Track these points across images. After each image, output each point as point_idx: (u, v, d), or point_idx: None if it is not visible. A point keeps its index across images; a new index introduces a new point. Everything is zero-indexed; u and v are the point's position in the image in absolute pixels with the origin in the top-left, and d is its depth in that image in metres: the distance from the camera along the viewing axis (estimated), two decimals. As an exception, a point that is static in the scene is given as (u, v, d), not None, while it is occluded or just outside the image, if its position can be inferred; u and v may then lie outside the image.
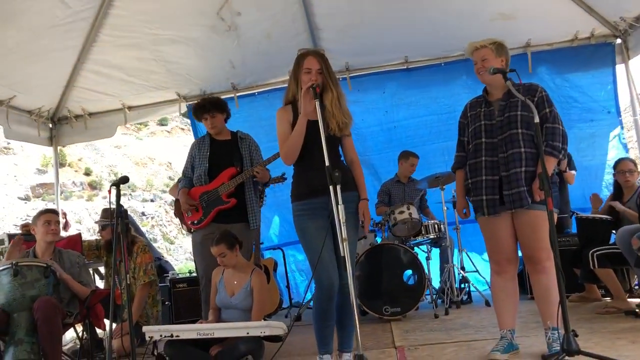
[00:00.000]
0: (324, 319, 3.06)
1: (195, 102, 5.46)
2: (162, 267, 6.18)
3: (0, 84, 5.06)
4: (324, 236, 2.96)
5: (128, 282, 3.26)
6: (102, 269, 5.13)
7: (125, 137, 28.57)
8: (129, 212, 3.63)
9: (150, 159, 28.68)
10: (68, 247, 4.39)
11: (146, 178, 26.92)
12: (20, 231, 4.73)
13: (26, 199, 22.18)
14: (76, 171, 25.60)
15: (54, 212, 4.12)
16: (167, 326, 3.58)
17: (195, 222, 4.23)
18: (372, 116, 6.32)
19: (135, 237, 4.72)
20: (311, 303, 4.20)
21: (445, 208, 5.34)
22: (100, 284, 5.17)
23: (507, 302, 3.23)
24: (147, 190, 26.01)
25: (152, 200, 25.01)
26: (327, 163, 2.78)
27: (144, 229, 17.31)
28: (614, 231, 4.47)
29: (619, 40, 5.67)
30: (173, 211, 5.01)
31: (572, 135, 4.81)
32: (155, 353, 3.63)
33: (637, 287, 4.88)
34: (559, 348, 2.72)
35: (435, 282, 5.62)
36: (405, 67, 6.15)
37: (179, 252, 22.11)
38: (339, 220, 2.71)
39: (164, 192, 25.32)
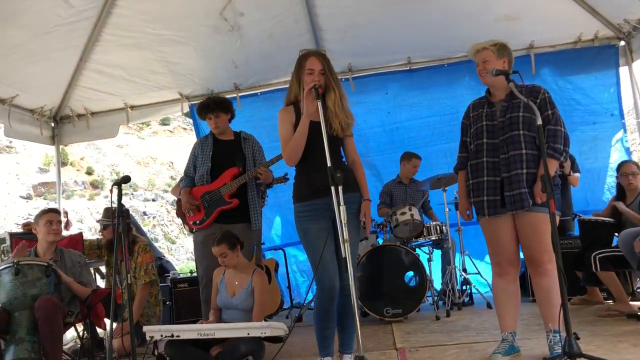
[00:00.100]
0: (324, 320, 3.06)
1: (198, 101, 5.48)
2: (163, 267, 6.18)
3: (3, 83, 5.06)
4: (325, 237, 2.96)
5: (129, 282, 3.26)
6: (103, 269, 5.13)
7: (127, 137, 28.58)
8: (130, 212, 3.63)
9: (152, 158, 28.68)
10: (69, 246, 4.40)
11: (148, 177, 26.92)
12: (21, 230, 4.74)
13: (28, 197, 22.20)
14: (78, 170, 25.61)
15: (56, 211, 4.12)
16: (167, 326, 3.58)
17: (198, 222, 4.23)
18: (375, 117, 6.31)
19: (137, 236, 4.73)
20: (312, 304, 4.20)
21: (447, 209, 5.33)
22: (101, 283, 5.16)
23: (508, 304, 3.23)
24: (149, 189, 26.02)
25: (153, 200, 25.01)
26: (329, 164, 2.78)
27: (145, 229, 17.32)
28: (616, 234, 4.46)
29: (622, 43, 5.66)
30: (175, 211, 5.01)
31: (575, 138, 4.82)
32: (156, 353, 3.62)
33: (639, 290, 4.86)
34: (560, 351, 2.71)
35: (437, 284, 5.61)
36: (408, 68, 6.14)
37: (180, 252, 22.11)
38: (341, 221, 2.71)
39: (166, 191, 25.32)
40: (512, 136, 3.10)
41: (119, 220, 3.17)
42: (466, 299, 5.36)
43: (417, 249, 5.31)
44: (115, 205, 3.23)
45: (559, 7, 5.22)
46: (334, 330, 3.12)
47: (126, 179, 3.31)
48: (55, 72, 5.43)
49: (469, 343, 3.71)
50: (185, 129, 30.22)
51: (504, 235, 3.18)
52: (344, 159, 3.24)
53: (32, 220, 4.15)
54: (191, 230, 4.38)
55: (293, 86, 3.15)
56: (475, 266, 5.55)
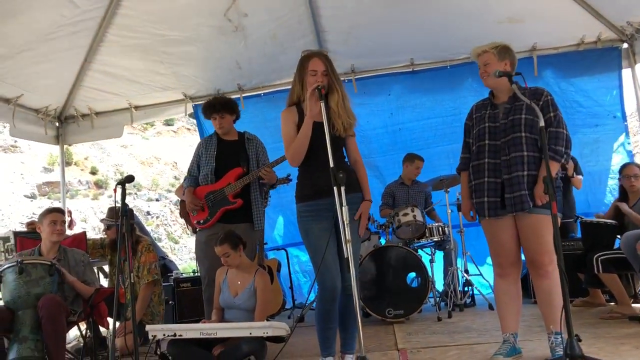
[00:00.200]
0: (326, 320, 3.07)
1: (202, 102, 5.50)
2: (166, 267, 6.20)
3: (8, 83, 5.08)
4: (327, 237, 2.97)
5: (132, 281, 3.28)
6: (106, 268, 5.15)
7: (131, 137, 28.62)
8: (134, 211, 3.64)
9: (156, 158, 28.72)
10: (73, 245, 4.41)
11: (152, 177, 26.96)
12: (25, 229, 4.76)
13: (32, 197, 22.25)
14: (82, 170, 25.67)
15: (60, 211, 4.14)
16: (170, 325, 3.60)
17: (201, 221, 4.25)
18: (377, 118, 6.31)
19: (140, 236, 4.75)
20: (314, 304, 4.21)
21: (450, 211, 5.34)
22: (104, 282, 5.18)
23: (510, 306, 3.23)
24: (153, 189, 26.06)
25: (157, 200, 25.04)
26: (331, 165, 2.79)
27: (148, 228, 17.35)
28: (618, 236, 4.46)
29: (625, 45, 5.65)
30: (178, 212, 5.03)
31: (576, 140, 4.81)
32: (158, 352, 3.64)
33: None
34: (562, 353, 2.71)
35: (439, 285, 5.61)
36: (410, 70, 6.14)
37: (184, 252, 22.14)
38: (343, 222, 2.72)
39: (170, 191, 25.36)
40: (513, 138, 3.10)
41: (122, 219, 3.18)
42: (468, 300, 5.36)
43: (419, 250, 5.32)
44: (119, 204, 3.25)
45: (561, 9, 5.21)
46: (335, 331, 3.13)
47: (130, 179, 3.32)
48: (60, 72, 5.45)
49: (471, 344, 3.72)
50: (189, 129, 30.26)
51: (505, 236, 3.19)
52: (346, 159, 3.26)
53: (36, 219, 4.17)
54: (194, 231, 4.39)
55: (295, 87, 3.17)
56: (477, 267, 5.55)
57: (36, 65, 5.03)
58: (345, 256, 2.73)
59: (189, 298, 5.50)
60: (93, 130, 6.33)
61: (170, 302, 5.40)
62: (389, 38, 5.61)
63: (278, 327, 3.32)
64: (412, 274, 4.87)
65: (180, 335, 3.34)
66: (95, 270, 4.96)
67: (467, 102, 5.66)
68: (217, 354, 3.45)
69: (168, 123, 30.95)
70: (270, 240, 6.40)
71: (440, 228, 5.31)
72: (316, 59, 3.09)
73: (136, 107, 6.29)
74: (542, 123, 2.75)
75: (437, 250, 5.60)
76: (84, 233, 4.96)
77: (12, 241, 4.55)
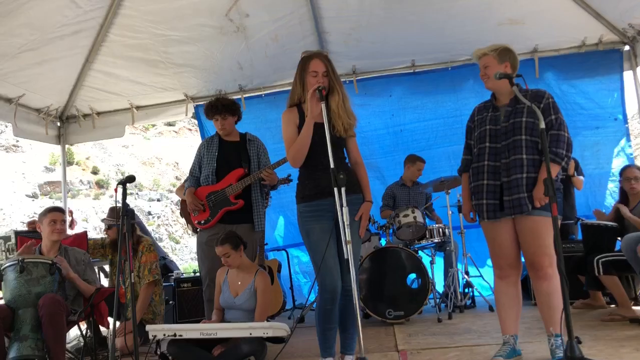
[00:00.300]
0: (326, 321, 3.07)
1: (203, 102, 5.51)
2: (167, 267, 6.21)
3: (10, 82, 5.09)
4: (328, 238, 2.98)
5: (132, 281, 3.28)
6: (107, 268, 5.16)
7: (132, 137, 28.69)
8: (135, 211, 3.65)
9: (158, 158, 28.78)
10: (74, 244, 4.42)
11: (153, 178, 27.02)
12: (27, 228, 4.77)
13: (34, 196, 22.31)
14: (84, 170, 25.73)
15: (60, 210, 4.15)
16: (170, 325, 3.60)
17: (202, 222, 4.25)
18: (379, 119, 6.31)
19: (141, 236, 4.75)
20: (314, 305, 4.21)
21: (450, 212, 5.34)
22: (105, 282, 5.19)
23: (510, 307, 3.23)
24: (154, 189, 26.10)
25: (158, 200, 25.09)
26: (332, 166, 2.80)
27: (149, 228, 17.36)
28: (619, 238, 4.46)
29: (627, 47, 5.64)
30: (179, 211, 5.04)
31: (577, 143, 4.81)
32: (159, 352, 3.64)
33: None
34: (562, 355, 2.71)
35: (439, 287, 5.61)
36: (412, 71, 6.14)
37: (185, 252, 22.18)
38: (343, 223, 2.73)
39: (171, 191, 25.42)
40: (514, 141, 3.10)
41: (123, 219, 3.19)
42: (468, 302, 5.35)
43: (419, 251, 5.32)
44: (120, 204, 3.25)
45: (563, 11, 5.21)
46: (335, 332, 3.13)
47: (131, 179, 3.33)
48: (61, 72, 5.45)
49: (471, 346, 3.71)
50: (190, 129, 30.32)
51: (504, 238, 3.19)
52: (347, 160, 3.26)
53: (37, 219, 4.18)
54: (194, 230, 4.40)
55: (296, 88, 3.17)
56: (478, 269, 5.55)
57: (38, 65, 5.03)
58: (346, 257, 2.74)
59: (189, 298, 5.50)
60: (94, 130, 6.34)
61: (170, 302, 5.40)
62: (390, 39, 5.61)
63: (278, 328, 3.32)
64: (413, 275, 4.87)
65: (181, 336, 3.34)
66: (96, 270, 4.97)
67: (468, 104, 5.70)
68: (217, 354, 3.46)
69: (169, 123, 31.03)
70: (271, 241, 6.40)
71: (440, 229, 5.30)
72: (317, 59, 3.09)
73: (137, 107, 6.29)
74: (542, 125, 2.74)
75: (437, 252, 5.60)
76: (85, 233, 4.97)
77: (13, 240, 4.57)
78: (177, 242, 23.03)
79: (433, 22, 5.36)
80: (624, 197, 4.68)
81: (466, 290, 5.41)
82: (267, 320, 3.87)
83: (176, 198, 22.07)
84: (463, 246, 5.46)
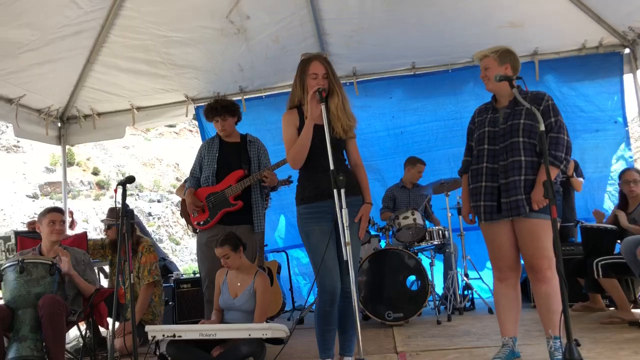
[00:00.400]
0: (325, 323, 3.07)
1: (204, 104, 5.51)
2: (166, 267, 6.21)
3: (11, 83, 5.09)
4: (327, 240, 2.98)
5: (132, 282, 3.28)
6: (107, 268, 5.16)
7: (133, 138, 28.70)
8: (135, 212, 3.65)
9: (158, 159, 28.79)
10: (74, 245, 4.43)
11: (153, 179, 27.03)
12: (26, 229, 4.78)
13: (34, 197, 22.31)
14: (84, 170, 25.74)
15: (59, 211, 4.15)
16: (169, 326, 3.61)
17: (201, 222, 4.26)
18: (379, 121, 6.32)
19: (141, 237, 4.75)
20: (314, 306, 4.21)
21: (450, 214, 5.34)
22: (105, 283, 5.20)
23: (509, 309, 3.23)
24: (154, 190, 26.11)
25: (159, 201, 25.09)
26: (332, 167, 2.80)
27: (150, 229, 17.37)
28: (618, 241, 4.46)
29: (627, 50, 5.64)
30: (179, 212, 5.04)
31: (577, 146, 4.81)
32: (158, 353, 3.65)
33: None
34: (561, 357, 2.72)
35: (439, 289, 5.61)
36: (412, 73, 6.15)
37: (185, 253, 22.17)
38: (343, 224, 2.73)
39: (171, 193, 25.42)
40: (512, 143, 3.10)
41: (122, 220, 3.19)
42: (467, 304, 5.35)
43: (419, 253, 5.32)
44: (119, 205, 3.25)
45: (563, 14, 5.21)
46: (334, 333, 3.13)
47: (130, 179, 3.33)
48: (62, 73, 5.46)
49: (470, 348, 3.72)
50: (191, 130, 30.34)
51: (503, 240, 3.19)
52: (347, 162, 3.27)
53: (37, 219, 4.19)
54: (194, 231, 4.40)
55: (296, 90, 3.18)
56: (477, 271, 5.55)
57: (39, 66, 5.04)
58: (345, 259, 2.74)
59: (189, 299, 5.51)
60: (95, 130, 6.34)
61: (170, 303, 5.41)
62: (391, 41, 5.62)
63: (277, 329, 3.33)
64: (412, 277, 4.88)
65: (180, 336, 3.34)
66: (96, 271, 4.97)
67: (468, 106, 5.71)
68: (216, 355, 3.46)
69: (170, 124, 31.03)
70: (271, 242, 6.40)
71: (440, 231, 5.31)
72: (316, 62, 3.10)
73: (138, 108, 6.29)
74: (542, 127, 2.74)
75: (437, 254, 5.60)
76: (85, 233, 4.97)
77: (13, 240, 4.57)
78: (177, 243, 23.03)
79: (434, 24, 5.37)
80: (623, 200, 4.68)
81: (465, 292, 5.42)
82: (267, 322, 3.87)
83: (176, 199, 22.08)
84: (462, 248, 5.46)
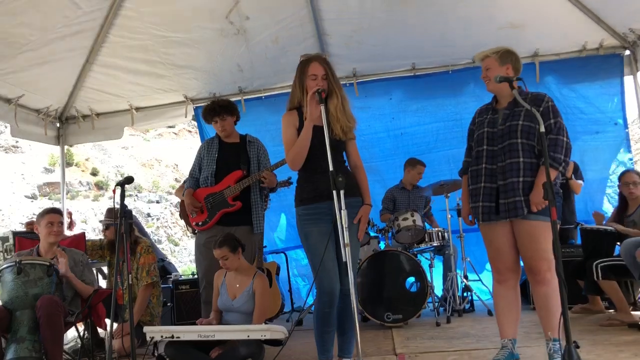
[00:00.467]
0: (324, 324, 3.06)
1: (203, 104, 5.50)
2: (165, 268, 6.19)
3: (10, 83, 5.08)
4: (326, 241, 2.97)
5: (130, 283, 3.27)
6: (105, 269, 5.15)
7: (132, 138, 28.66)
8: (134, 213, 3.64)
9: (157, 160, 28.75)
10: (72, 245, 4.41)
11: (152, 179, 26.99)
12: (25, 229, 4.76)
13: (33, 197, 22.27)
14: (83, 171, 25.70)
15: (58, 212, 4.14)
16: (168, 327, 3.60)
17: (200, 223, 4.25)
18: (379, 122, 6.31)
19: (139, 237, 4.74)
20: (313, 308, 4.20)
21: (450, 216, 5.33)
22: (103, 283, 5.18)
23: (508, 311, 3.22)
24: (153, 191, 26.08)
25: (157, 202, 25.05)
26: (331, 168, 2.80)
27: (149, 230, 17.34)
28: (618, 243, 4.45)
29: (627, 52, 5.65)
30: (179, 213, 5.03)
31: (577, 147, 4.80)
32: (156, 354, 3.63)
33: (641, 300, 4.85)
34: (560, 359, 2.70)
35: (438, 290, 5.60)
36: (412, 74, 6.15)
37: (184, 254, 22.13)
38: (342, 226, 2.72)
39: (170, 193, 25.38)
40: (510, 144, 3.10)
41: (121, 220, 3.18)
42: (467, 306, 5.34)
43: (418, 255, 5.31)
44: (117, 205, 3.24)
45: (564, 15, 5.22)
46: (333, 334, 3.12)
47: (129, 180, 3.32)
48: (61, 73, 5.45)
49: (469, 350, 3.71)
50: (190, 131, 30.31)
51: (502, 242, 3.18)
52: (346, 163, 3.26)
53: (35, 220, 4.17)
54: (194, 232, 4.39)
55: (296, 91, 3.17)
56: (477, 273, 5.55)
57: (38, 66, 5.03)
58: (344, 260, 2.73)
59: (187, 300, 5.49)
60: (93, 131, 6.34)
61: (168, 304, 5.39)
62: (391, 42, 5.62)
63: (276, 330, 3.31)
64: (411, 279, 4.87)
65: (178, 337, 3.33)
66: (94, 271, 4.96)
67: (468, 107, 5.70)
68: (214, 356, 3.45)
69: (169, 125, 30.98)
70: (270, 243, 6.40)
71: (439, 233, 5.30)
72: (316, 63, 3.10)
73: (137, 109, 6.29)
74: (542, 128, 2.73)
75: (436, 256, 5.59)
76: (83, 234, 4.96)
77: (11, 241, 4.56)
78: (176, 244, 23.00)
79: (434, 25, 5.37)
80: (622, 202, 4.67)
81: (465, 294, 5.41)
82: (265, 323, 3.86)
83: (175, 200, 22.06)
84: (462, 250, 5.45)
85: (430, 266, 5.26)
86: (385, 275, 4.81)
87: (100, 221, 5.12)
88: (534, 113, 2.75)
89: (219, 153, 4.33)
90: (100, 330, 4.40)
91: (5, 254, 4.56)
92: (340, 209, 2.75)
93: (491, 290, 3.49)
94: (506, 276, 3.22)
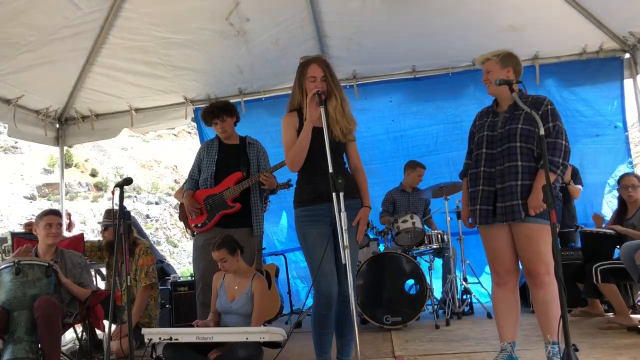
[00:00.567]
0: (322, 326, 3.06)
1: (203, 105, 5.50)
2: (163, 270, 6.19)
3: (9, 84, 5.08)
4: (325, 243, 2.96)
5: (129, 284, 3.26)
6: (104, 270, 5.14)
7: (132, 139, 28.65)
8: (133, 214, 3.64)
9: (157, 161, 28.73)
10: (70, 247, 4.41)
11: (152, 181, 26.97)
12: (23, 230, 4.75)
13: (32, 198, 22.24)
14: (82, 172, 25.67)
15: (57, 213, 4.13)
16: (166, 329, 3.58)
17: (199, 225, 4.24)
18: (379, 125, 6.31)
19: (138, 238, 4.73)
20: (311, 310, 4.19)
21: (449, 218, 5.33)
22: (102, 285, 5.17)
23: (507, 314, 3.21)
24: (152, 192, 26.06)
25: (157, 203, 25.03)
26: (330, 170, 2.79)
27: (148, 232, 17.33)
28: (618, 246, 4.45)
29: (627, 55, 5.66)
30: (178, 214, 5.03)
31: (577, 150, 4.80)
32: (154, 356, 3.62)
33: (640, 303, 4.85)
34: (559, 362, 2.70)
35: (437, 293, 5.60)
36: (412, 77, 6.15)
37: (182, 256, 22.10)
38: (341, 228, 2.72)
39: (169, 195, 25.36)
40: (509, 148, 3.09)
41: (120, 221, 3.17)
42: (466, 309, 5.34)
43: (418, 257, 5.31)
44: (116, 206, 3.24)
45: (564, 18, 5.22)
46: (331, 336, 3.12)
47: (128, 181, 3.32)
48: (61, 74, 5.45)
49: (468, 353, 3.70)
50: (189, 132, 30.29)
51: (500, 245, 3.17)
52: (346, 165, 3.25)
53: (34, 221, 4.16)
54: (193, 233, 4.38)
55: (296, 93, 3.17)
56: (476, 275, 5.54)
57: (38, 67, 5.03)
58: (343, 262, 2.72)
59: (186, 302, 5.49)
60: (92, 131, 6.33)
61: (167, 306, 5.38)
62: (391, 44, 5.62)
63: (275, 333, 3.31)
64: (411, 281, 4.86)
65: (176, 339, 3.32)
66: (93, 273, 4.95)
67: (468, 110, 5.71)
68: (213, 358, 3.44)
69: (168, 127, 30.92)
70: (269, 245, 6.39)
71: (439, 236, 5.30)
72: (314, 64, 3.10)
73: (137, 110, 6.29)
74: (542, 131, 2.72)
75: (436, 258, 5.59)
76: (82, 235, 4.95)
77: (10, 242, 4.55)
78: (175, 246, 22.97)
79: (434, 28, 5.37)
80: (622, 205, 4.67)
81: (464, 296, 5.40)
82: (264, 325, 3.85)
83: (174, 201, 22.04)
84: (461, 253, 5.44)
85: (430, 269, 5.25)
86: (384, 278, 4.81)
87: (99, 222, 5.12)
88: (533, 116, 2.74)
89: (219, 154, 4.32)
90: (98, 331, 4.39)
91: (4, 255, 4.55)
92: (340, 211, 2.74)
93: (490, 293, 3.49)
94: (505, 279, 3.21)
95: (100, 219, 5.38)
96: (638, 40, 5.38)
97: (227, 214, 4.16)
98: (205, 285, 4.05)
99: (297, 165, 3.12)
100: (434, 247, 5.26)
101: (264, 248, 5.85)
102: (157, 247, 11.82)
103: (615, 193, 4.99)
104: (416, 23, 5.30)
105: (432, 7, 5.10)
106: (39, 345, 3.40)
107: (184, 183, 4.60)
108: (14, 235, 4.60)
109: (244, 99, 6.24)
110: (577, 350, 2.54)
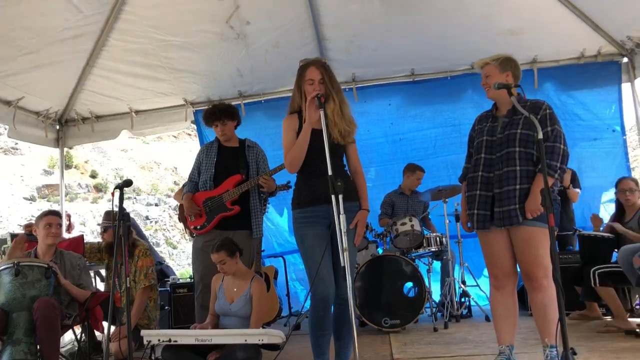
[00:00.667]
0: (319, 328, 3.06)
1: (203, 108, 5.51)
2: (163, 272, 6.19)
3: (10, 85, 5.09)
4: (322, 245, 2.97)
5: (128, 285, 3.27)
6: (103, 272, 5.14)
7: (131, 141, 28.59)
8: (132, 216, 3.65)
9: (156, 163, 28.71)
10: (70, 248, 4.41)
11: (151, 182, 26.94)
12: (23, 231, 4.76)
13: (32, 199, 22.22)
14: (82, 173, 25.65)
15: (56, 214, 4.14)
16: (165, 331, 3.59)
17: (198, 227, 4.24)
18: (378, 128, 6.32)
19: (137, 240, 4.74)
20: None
21: (447, 221, 5.34)
22: (101, 286, 5.18)
23: (506, 317, 3.22)
24: (152, 194, 26.04)
25: (156, 205, 25.00)
26: (330, 172, 2.80)
27: (147, 233, 17.32)
28: (615, 250, 4.46)
29: (625, 59, 5.68)
30: (177, 216, 5.03)
31: (575, 154, 4.81)
32: (153, 357, 3.63)
33: (637, 307, 4.85)
34: (557, 365, 2.70)
35: (436, 296, 5.60)
36: (411, 80, 6.17)
37: (182, 258, 22.08)
38: (340, 230, 2.72)
39: (169, 196, 25.34)
40: (508, 153, 3.10)
41: (119, 223, 3.18)
42: (464, 311, 5.35)
43: (416, 260, 5.31)
44: (116, 208, 3.24)
45: (562, 22, 5.24)
46: (329, 338, 3.11)
47: (127, 183, 3.33)
48: (61, 76, 5.46)
49: (466, 355, 3.71)
50: (189, 134, 30.26)
51: (498, 248, 3.18)
52: (346, 168, 3.26)
53: (34, 222, 4.17)
54: (192, 235, 4.39)
55: (295, 96, 3.18)
56: (475, 278, 5.55)
57: (38, 69, 5.04)
58: (342, 265, 2.73)
59: (185, 304, 5.49)
60: (93, 133, 6.34)
61: (166, 308, 5.38)
62: (391, 48, 5.63)
63: (273, 335, 3.31)
64: (409, 284, 4.87)
65: (175, 341, 3.33)
66: (92, 274, 4.95)
67: (467, 113, 5.72)
68: (211, 360, 3.44)
69: (168, 130, 30.88)
70: (268, 247, 6.39)
71: (437, 238, 5.30)
72: (312, 67, 3.11)
73: (137, 112, 6.30)
74: (540, 135, 2.73)
75: (434, 261, 5.59)
76: (82, 236, 4.96)
77: (9, 243, 4.55)
78: (175, 248, 22.95)
79: (433, 31, 5.39)
80: (619, 208, 4.68)
81: (462, 299, 5.41)
82: (263, 327, 3.85)
83: (174, 203, 22.03)
84: (460, 255, 5.45)
85: (428, 271, 5.26)
86: (383, 280, 4.81)
87: (99, 224, 5.13)
88: (532, 120, 2.75)
89: (218, 157, 4.32)
90: (97, 333, 4.40)
91: (3, 255, 4.55)
92: (339, 213, 2.74)
93: (489, 296, 3.49)
94: (503, 282, 3.22)
95: (100, 220, 5.39)
96: (636, 44, 5.40)
97: (226, 217, 4.16)
98: (205, 287, 4.05)
99: (296, 167, 3.13)
100: (433, 249, 5.27)
101: (263, 250, 5.86)
102: (156, 249, 11.82)
103: (613, 197, 4.99)
104: (415, 27, 5.32)
105: (431, 11, 5.12)
106: (38, 347, 3.40)
107: (184, 185, 4.60)
108: (13, 236, 4.60)
109: (244, 101, 6.25)
110: (575, 353, 2.54)
